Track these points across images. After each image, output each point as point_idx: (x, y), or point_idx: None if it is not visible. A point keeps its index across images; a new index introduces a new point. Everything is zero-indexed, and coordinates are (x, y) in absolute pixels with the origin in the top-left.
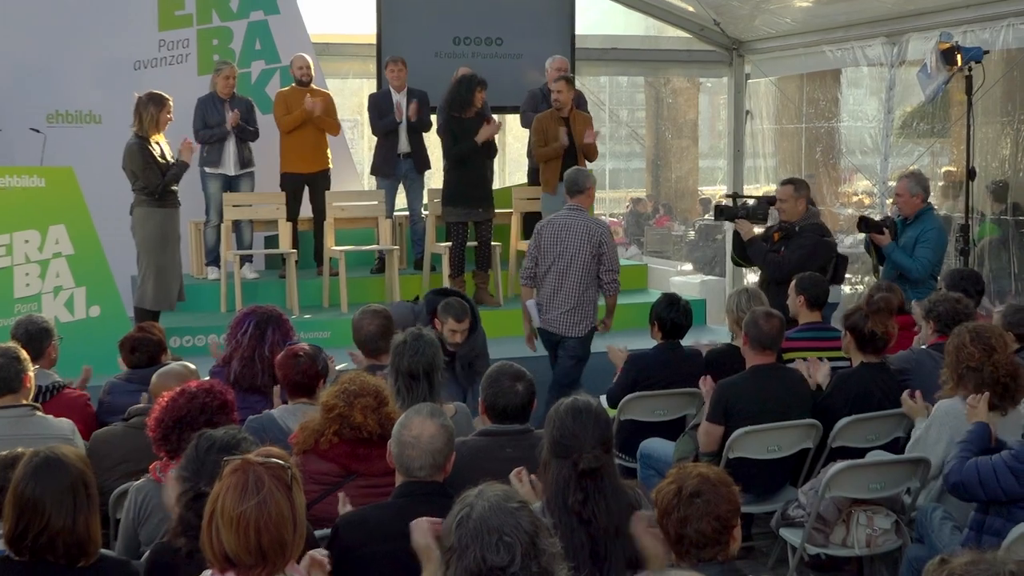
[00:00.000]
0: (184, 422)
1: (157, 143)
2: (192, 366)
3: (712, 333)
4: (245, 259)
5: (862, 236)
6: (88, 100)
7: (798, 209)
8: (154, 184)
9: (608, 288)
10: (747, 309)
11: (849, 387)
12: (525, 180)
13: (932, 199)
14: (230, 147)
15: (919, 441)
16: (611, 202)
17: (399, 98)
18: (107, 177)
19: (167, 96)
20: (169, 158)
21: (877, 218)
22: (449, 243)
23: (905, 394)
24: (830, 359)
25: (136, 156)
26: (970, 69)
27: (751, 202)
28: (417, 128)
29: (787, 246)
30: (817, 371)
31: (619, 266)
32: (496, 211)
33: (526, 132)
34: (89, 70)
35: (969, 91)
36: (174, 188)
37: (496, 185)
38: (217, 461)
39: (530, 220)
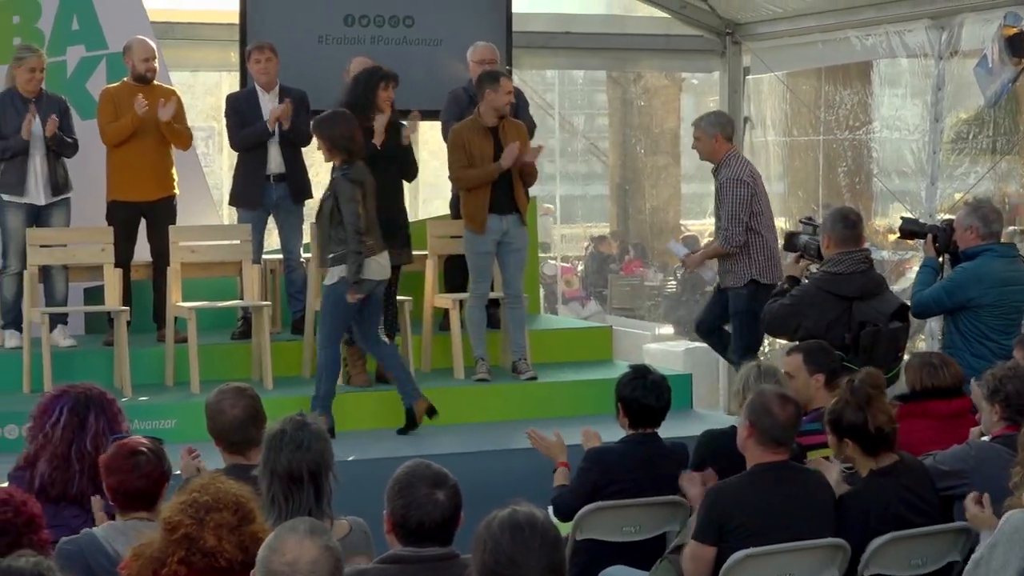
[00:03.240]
0: None
1: None
2: None
3: (701, 420)
4: (57, 320)
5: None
6: None
7: (826, 247)
8: None
9: None
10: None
11: (862, 503)
12: (446, 211)
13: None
14: (37, 165)
15: (981, 564)
16: (563, 241)
17: (269, 99)
18: None
19: None
20: None
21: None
22: None
23: (969, 498)
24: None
25: None
26: None
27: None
28: (293, 141)
29: None
30: (828, 474)
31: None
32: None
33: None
34: None
35: None
36: None
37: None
38: None
39: (452, 266)
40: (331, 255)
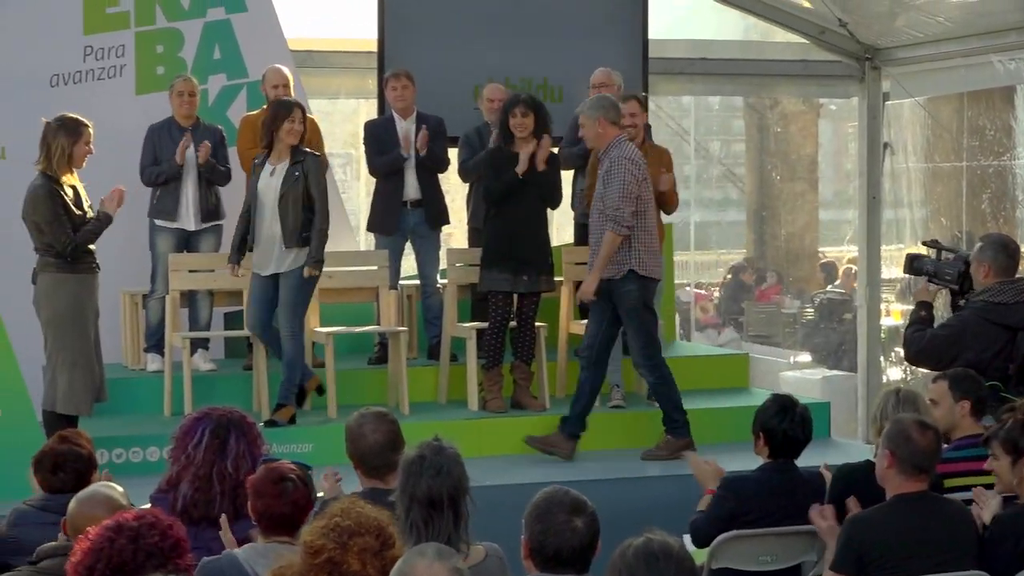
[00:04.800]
0: (122, 570)
1: (72, 186)
2: (120, 489)
3: (839, 449)
4: (198, 344)
5: None
6: None
7: (984, 275)
8: (63, 242)
9: None
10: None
11: (1013, 529)
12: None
13: None
14: (189, 192)
15: None
16: (698, 267)
17: (406, 127)
18: (13, 230)
19: (85, 121)
20: (87, 207)
21: None
22: (480, 323)
23: None
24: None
25: (43, 203)
26: None
27: (950, 256)
28: (429, 167)
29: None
30: (985, 507)
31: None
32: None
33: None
34: None
35: None
36: (91, 248)
37: None
38: None
39: None
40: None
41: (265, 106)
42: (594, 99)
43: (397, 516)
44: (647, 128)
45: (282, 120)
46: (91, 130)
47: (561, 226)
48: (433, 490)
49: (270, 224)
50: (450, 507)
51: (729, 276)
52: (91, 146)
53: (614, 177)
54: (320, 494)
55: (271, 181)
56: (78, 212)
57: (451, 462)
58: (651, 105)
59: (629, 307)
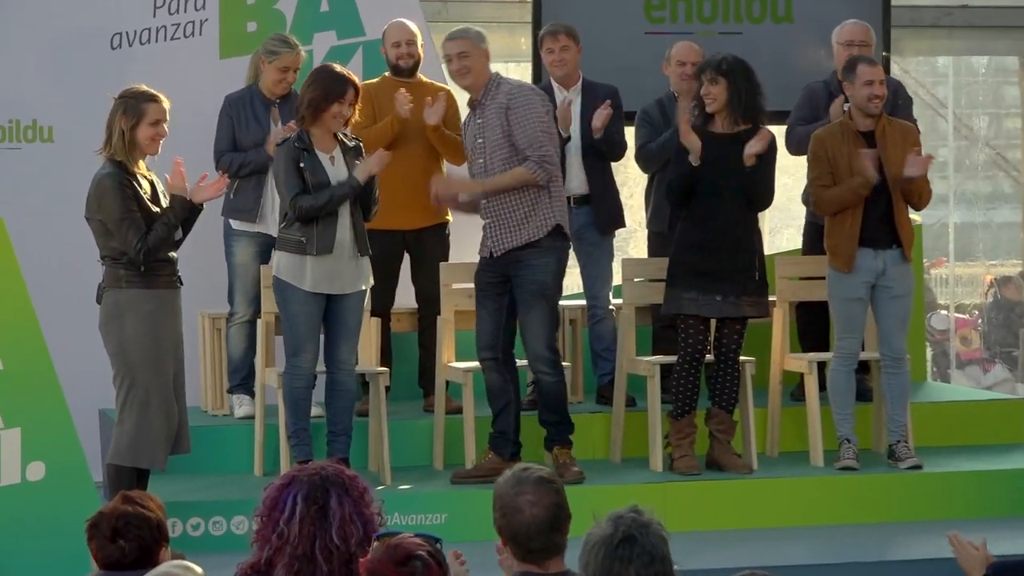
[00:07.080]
0: None
1: (145, 176)
2: (199, 570)
3: None
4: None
5: None
6: (33, 103)
7: None
8: (134, 246)
9: None
10: None
11: None
12: (799, 243)
13: None
14: (274, 186)
15: None
16: (957, 282)
17: (566, 97)
18: (65, 233)
19: (152, 94)
20: (163, 202)
21: None
22: (665, 357)
23: None
24: None
25: (110, 197)
26: None
27: None
28: (599, 153)
29: None
30: None
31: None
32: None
33: (799, 160)
34: (35, 51)
35: None
36: (172, 256)
37: None
38: None
39: (809, 316)
40: None
41: (387, 73)
42: (469, 30)
43: None
44: (902, 95)
45: (333, 101)
46: (164, 105)
47: (775, 229)
48: None
49: (342, 226)
50: None
51: (992, 293)
52: (164, 126)
53: (527, 110)
54: None
55: (337, 173)
56: (154, 209)
57: (660, 541)
58: (893, 68)
59: (541, 283)
